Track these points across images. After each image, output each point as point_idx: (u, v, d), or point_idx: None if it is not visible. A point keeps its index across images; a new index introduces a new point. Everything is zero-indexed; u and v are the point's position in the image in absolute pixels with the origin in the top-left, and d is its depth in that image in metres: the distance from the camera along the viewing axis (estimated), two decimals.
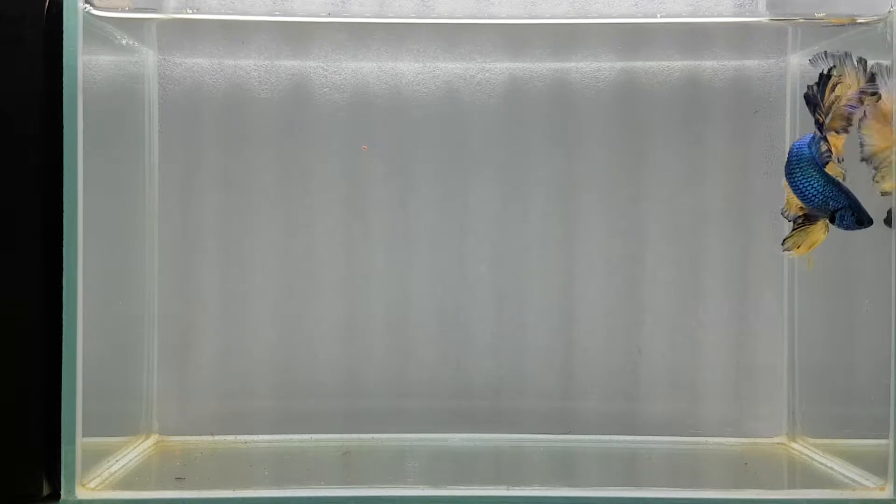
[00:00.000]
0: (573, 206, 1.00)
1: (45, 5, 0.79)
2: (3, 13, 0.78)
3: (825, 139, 0.78)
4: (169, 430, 0.98)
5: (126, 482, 0.83)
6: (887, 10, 0.82)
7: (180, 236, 0.99)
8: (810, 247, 0.81)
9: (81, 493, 0.78)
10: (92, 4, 0.80)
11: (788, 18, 0.91)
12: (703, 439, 0.99)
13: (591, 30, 0.95)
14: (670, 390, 1.00)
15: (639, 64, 0.99)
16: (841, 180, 0.79)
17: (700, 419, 1.00)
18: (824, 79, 0.80)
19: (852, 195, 0.79)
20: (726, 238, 1.00)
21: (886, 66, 0.78)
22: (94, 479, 0.81)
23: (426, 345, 1.00)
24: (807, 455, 0.94)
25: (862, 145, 0.79)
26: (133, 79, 0.95)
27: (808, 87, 0.80)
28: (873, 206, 0.80)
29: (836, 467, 0.89)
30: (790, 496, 0.81)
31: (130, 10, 0.86)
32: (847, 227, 0.79)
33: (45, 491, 0.79)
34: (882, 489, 0.81)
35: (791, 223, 0.84)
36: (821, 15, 0.87)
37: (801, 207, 0.81)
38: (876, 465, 0.82)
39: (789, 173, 0.81)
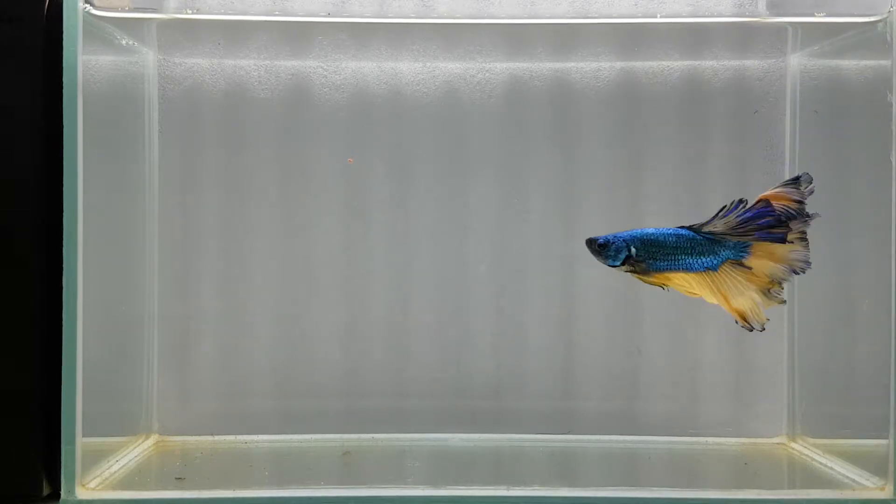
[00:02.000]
0: (573, 205, 1.00)
1: (44, 5, 0.79)
2: (3, 13, 0.78)
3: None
4: (169, 430, 0.98)
5: (126, 482, 0.83)
6: (887, 11, 0.82)
7: (180, 236, 0.99)
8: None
9: (81, 493, 0.78)
10: (92, 4, 0.80)
11: (788, 19, 0.91)
12: (702, 439, 0.99)
13: (592, 29, 0.95)
14: (670, 390, 1.00)
15: (639, 64, 0.99)
16: None
17: (700, 419, 1.00)
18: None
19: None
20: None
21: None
22: (94, 479, 0.81)
23: (426, 345, 1.00)
24: (807, 455, 0.94)
25: None
26: (133, 79, 0.95)
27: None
28: None
29: (836, 467, 0.89)
30: (790, 496, 0.81)
31: (130, 10, 0.86)
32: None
33: (45, 491, 0.79)
34: (882, 489, 0.81)
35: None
36: (820, 15, 0.87)
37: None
38: (876, 465, 0.82)
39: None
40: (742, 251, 0.76)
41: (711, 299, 0.76)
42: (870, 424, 0.84)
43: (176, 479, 0.85)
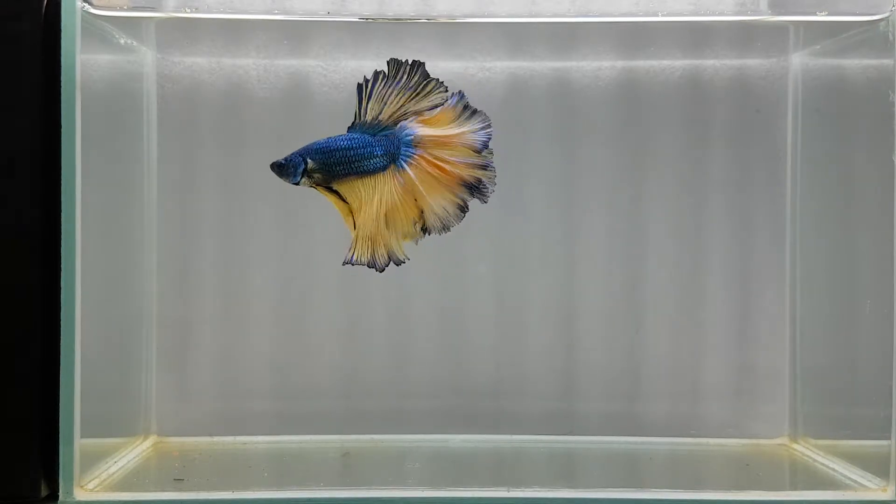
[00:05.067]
0: (574, 205, 0.99)
1: (43, 4, 0.78)
2: (1, 12, 0.78)
3: None
4: (167, 430, 0.98)
5: (124, 483, 0.83)
6: (889, 10, 0.82)
7: (179, 236, 0.99)
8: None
9: (79, 495, 0.78)
10: (90, 3, 0.80)
11: (790, 18, 0.91)
12: (704, 440, 0.98)
13: (592, 28, 0.95)
14: (672, 391, 1.00)
15: (640, 63, 0.99)
16: None
17: (702, 420, 0.99)
18: None
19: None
20: (728, 238, 0.99)
21: None
22: (93, 480, 0.81)
23: (426, 345, 1.00)
24: (809, 456, 0.94)
25: None
26: (131, 78, 0.95)
27: None
28: None
29: (837, 468, 0.88)
30: (792, 497, 0.81)
31: (129, 9, 0.86)
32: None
33: (44, 492, 0.79)
34: (884, 490, 0.81)
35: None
36: (822, 14, 0.87)
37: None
38: (878, 466, 0.82)
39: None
40: (406, 154, 0.74)
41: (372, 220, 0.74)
42: (871, 425, 0.84)
43: (175, 480, 0.85)
